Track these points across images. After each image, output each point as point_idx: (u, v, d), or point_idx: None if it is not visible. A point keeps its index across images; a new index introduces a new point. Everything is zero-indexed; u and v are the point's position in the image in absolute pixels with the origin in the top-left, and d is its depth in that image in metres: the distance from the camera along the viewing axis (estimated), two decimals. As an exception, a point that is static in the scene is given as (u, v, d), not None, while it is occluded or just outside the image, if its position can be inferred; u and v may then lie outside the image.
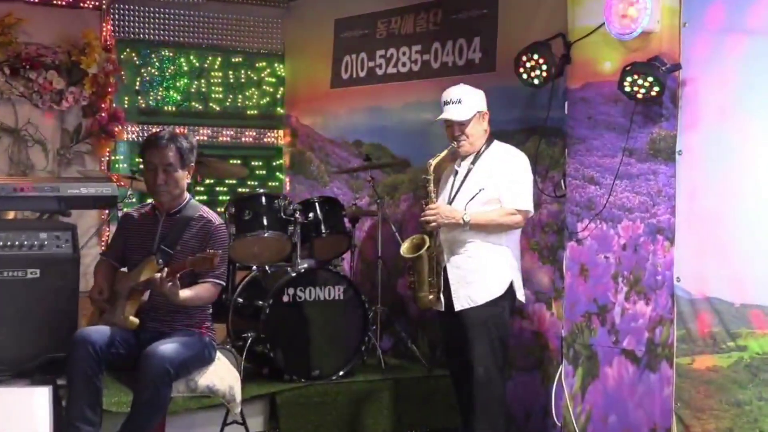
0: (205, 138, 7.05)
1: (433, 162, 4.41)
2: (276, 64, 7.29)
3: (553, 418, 4.80)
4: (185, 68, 7.01)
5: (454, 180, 4.50)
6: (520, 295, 4.47)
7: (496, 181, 4.36)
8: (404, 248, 4.45)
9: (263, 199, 5.41)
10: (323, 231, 5.53)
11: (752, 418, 3.94)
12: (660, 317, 4.30)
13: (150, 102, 6.90)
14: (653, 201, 4.34)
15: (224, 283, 4.10)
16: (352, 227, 5.78)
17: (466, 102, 4.39)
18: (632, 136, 4.39)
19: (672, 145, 4.25)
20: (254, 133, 7.29)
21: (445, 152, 4.43)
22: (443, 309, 4.45)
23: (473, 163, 4.46)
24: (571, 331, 4.70)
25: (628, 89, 4.26)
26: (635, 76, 4.21)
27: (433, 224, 4.36)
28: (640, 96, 4.23)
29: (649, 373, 4.34)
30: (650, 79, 4.17)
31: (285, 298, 5.25)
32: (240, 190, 6.99)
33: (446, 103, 4.42)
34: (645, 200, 4.37)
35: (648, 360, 4.35)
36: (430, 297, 4.43)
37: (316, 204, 5.57)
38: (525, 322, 5.18)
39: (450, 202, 4.45)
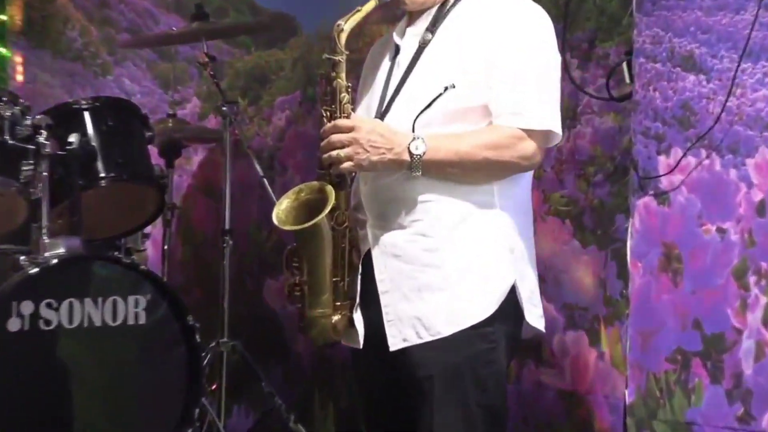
0: None
1: (347, 25, 4.33)
2: None
3: None
4: None
5: (392, 66, 4.49)
6: (533, 316, 4.40)
7: (480, 68, 4.29)
8: (281, 212, 4.36)
9: (-35, 105, 5.49)
10: (101, 174, 5.73)
11: None
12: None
13: None
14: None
15: None
16: (166, 166, 5.94)
17: None
18: (778, -37, 4.47)
19: None
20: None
21: (370, 4, 4.36)
22: (361, 345, 4.42)
23: (432, 30, 4.43)
24: (646, 394, 4.73)
25: None
26: None
27: (347, 163, 4.24)
28: None
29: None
30: None
31: (13, 325, 5.36)
32: None
33: None
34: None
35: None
36: (335, 319, 4.38)
37: (85, 114, 5.63)
38: (544, 371, 5.23)
39: (383, 115, 4.40)
